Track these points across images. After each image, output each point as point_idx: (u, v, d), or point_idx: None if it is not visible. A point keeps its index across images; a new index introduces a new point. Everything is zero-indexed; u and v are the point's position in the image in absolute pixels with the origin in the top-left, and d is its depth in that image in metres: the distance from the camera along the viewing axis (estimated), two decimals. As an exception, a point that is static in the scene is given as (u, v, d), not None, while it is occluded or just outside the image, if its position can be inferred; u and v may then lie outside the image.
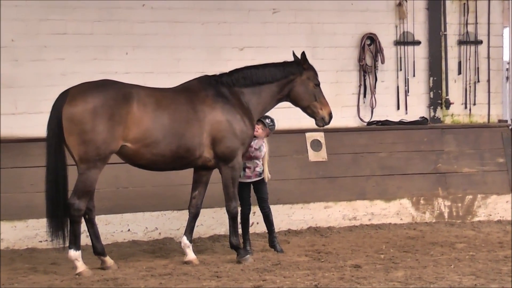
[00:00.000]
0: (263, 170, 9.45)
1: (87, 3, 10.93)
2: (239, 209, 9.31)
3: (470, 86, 12.63)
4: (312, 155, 11.54)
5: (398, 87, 12.37)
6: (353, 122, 12.20)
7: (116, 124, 8.29)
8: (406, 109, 12.38)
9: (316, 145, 11.57)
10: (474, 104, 12.63)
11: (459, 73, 12.58)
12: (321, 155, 11.57)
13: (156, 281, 7.96)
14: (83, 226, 8.53)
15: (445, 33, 12.47)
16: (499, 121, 12.70)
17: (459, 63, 12.57)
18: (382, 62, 12.19)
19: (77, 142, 8.23)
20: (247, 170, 9.40)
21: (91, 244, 8.78)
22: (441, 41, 12.47)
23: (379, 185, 11.69)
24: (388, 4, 12.32)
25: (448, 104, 12.46)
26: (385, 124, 12.17)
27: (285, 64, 9.35)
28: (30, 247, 10.06)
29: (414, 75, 12.40)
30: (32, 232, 10.14)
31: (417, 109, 12.46)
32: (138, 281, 7.98)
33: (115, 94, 8.39)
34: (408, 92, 12.38)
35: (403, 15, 12.29)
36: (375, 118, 12.19)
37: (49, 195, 8.36)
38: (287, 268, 8.49)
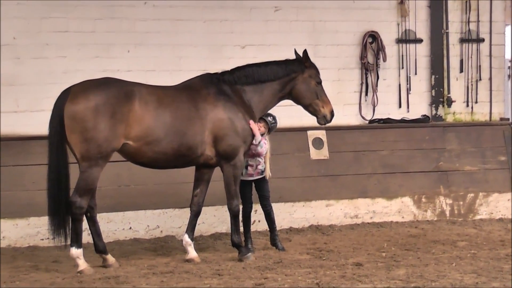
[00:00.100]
0: (265, 168, 9.46)
1: (89, 1, 10.92)
2: (241, 207, 9.32)
3: (472, 84, 12.61)
4: (314, 153, 11.53)
5: (400, 85, 12.35)
6: (355, 120, 12.18)
7: (118, 122, 8.28)
8: (408, 107, 12.36)
9: (317, 143, 11.57)
10: (476, 102, 12.61)
11: (461, 71, 12.55)
12: (323, 153, 11.56)
13: (157, 279, 7.96)
14: (85, 224, 8.54)
15: (447, 31, 12.45)
16: (501, 119, 12.68)
17: (461, 61, 12.55)
18: (384, 60, 12.17)
19: (79, 140, 8.23)
20: (249, 168, 9.40)
21: (92, 242, 8.79)
22: (443, 39, 12.46)
23: (381, 183, 11.68)
24: (390, 2, 12.30)
25: (450, 102, 12.43)
26: (387, 122, 12.15)
27: (287, 62, 9.34)
28: (31, 245, 10.05)
29: (416, 73, 12.39)
30: (34, 230, 10.14)
31: (419, 107, 12.44)
32: (140, 279, 7.98)
33: (117, 92, 8.38)
34: (410, 90, 12.36)
35: (405, 13, 12.27)
36: (377, 116, 12.17)
37: (51, 193, 8.36)
38: (289, 266, 8.48)
